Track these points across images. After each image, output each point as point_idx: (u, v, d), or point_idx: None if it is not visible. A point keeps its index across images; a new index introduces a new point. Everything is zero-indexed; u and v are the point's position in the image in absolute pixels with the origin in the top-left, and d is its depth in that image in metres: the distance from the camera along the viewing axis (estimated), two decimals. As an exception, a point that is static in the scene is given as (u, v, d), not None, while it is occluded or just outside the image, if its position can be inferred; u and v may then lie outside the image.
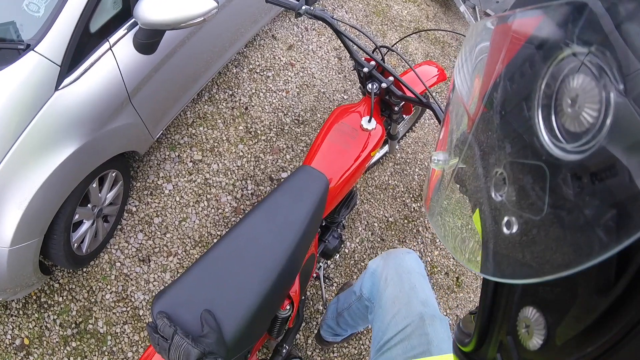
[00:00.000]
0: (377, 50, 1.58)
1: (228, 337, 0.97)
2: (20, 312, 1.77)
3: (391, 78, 1.49)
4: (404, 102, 1.59)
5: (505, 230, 0.34)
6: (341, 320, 1.60)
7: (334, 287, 2.14)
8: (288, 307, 1.33)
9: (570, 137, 0.28)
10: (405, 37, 1.68)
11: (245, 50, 2.75)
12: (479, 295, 0.42)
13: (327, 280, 2.03)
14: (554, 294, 0.32)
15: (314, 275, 1.76)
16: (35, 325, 1.77)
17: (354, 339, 2.05)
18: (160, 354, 0.91)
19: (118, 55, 1.49)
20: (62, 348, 1.76)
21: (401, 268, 1.25)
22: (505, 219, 0.34)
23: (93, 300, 1.86)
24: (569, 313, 0.29)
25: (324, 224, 1.73)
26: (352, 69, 2.88)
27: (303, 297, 1.70)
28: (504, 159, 0.35)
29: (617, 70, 0.25)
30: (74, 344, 1.77)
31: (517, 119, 0.34)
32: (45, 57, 1.27)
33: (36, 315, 1.78)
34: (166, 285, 1.51)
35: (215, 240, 2.06)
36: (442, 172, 0.51)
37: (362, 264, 2.25)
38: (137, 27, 1.50)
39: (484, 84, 0.41)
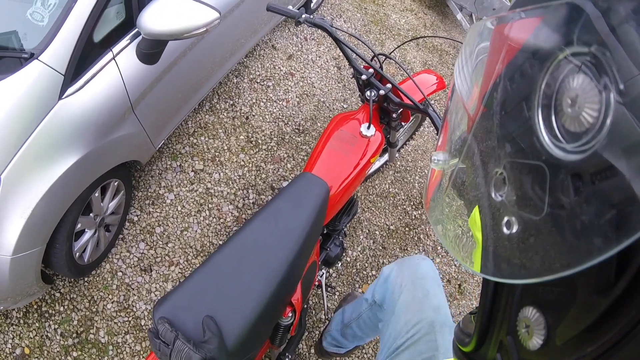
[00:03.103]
0: (375, 58, 1.60)
1: (229, 343, 0.97)
2: (21, 321, 1.77)
3: (389, 85, 1.51)
4: (401, 109, 1.60)
5: (505, 230, 0.34)
6: (348, 331, 1.56)
7: (336, 296, 2.14)
8: (290, 315, 1.33)
9: (570, 137, 0.28)
10: (402, 44, 1.71)
11: (245, 60, 2.78)
12: (479, 295, 0.42)
13: (329, 288, 2.03)
14: (554, 294, 0.32)
15: (316, 283, 1.75)
16: (36, 335, 1.76)
17: (358, 350, 2.04)
18: (161, 359, 0.90)
19: (121, 65, 1.51)
20: (63, 358, 1.74)
21: (416, 274, 1.24)
22: (505, 219, 0.34)
23: (94, 309, 1.85)
24: (569, 313, 0.29)
25: (325, 232, 1.73)
26: (351, 77, 2.91)
27: (305, 306, 1.70)
28: (504, 158, 0.35)
29: (617, 70, 0.25)
30: (75, 354, 1.76)
31: (517, 119, 0.34)
32: (49, 66, 1.28)
33: (37, 324, 1.77)
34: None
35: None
36: (442, 172, 0.51)
37: (364, 272, 2.25)
38: (140, 37, 1.52)
39: (484, 84, 0.41)
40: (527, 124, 0.32)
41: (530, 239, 0.31)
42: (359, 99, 2.66)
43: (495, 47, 0.41)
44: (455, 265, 2.39)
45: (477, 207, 0.42)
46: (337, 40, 1.52)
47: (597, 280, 0.27)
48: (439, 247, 2.43)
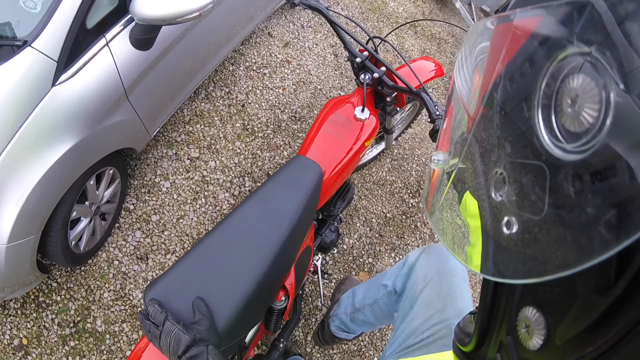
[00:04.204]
0: (370, 41, 1.59)
1: (220, 324, 0.97)
2: (19, 311, 1.77)
3: (383, 68, 1.50)
4: (396, 93, 1.60)
5: (505, 230, 0.34)
6: (358, 316, 1.48)
7: (332, 283, 2.15)
8: (283, 299, 1.33)
9: (570, 137, 0.28)
10: (399, 26, 1.69)
11: (241, 47, 2.75)
12: (479, 294, 0.42)
13: (325, 275, 2.03)
14: (554, 294, 0.32)
15: (311, 269, 1.76)
16: (33, 325, 1.76)
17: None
18: (152, 341, 0.90)
19: (115, 52, 1.48)
20: (60, 347, 1.75)
21: (444, 268, 1.15)
22: (505, 219, 0.34)
23: (91, 299, 1.86)
24: (569, 313, 0.30)
25: (320, 217, 1.73)
26: (345, 60, 2.89)
27: (301, 292, 1.70)
28: (504, 158, 0.36)
29: (617, 70, 0.25)
30: (72, 343, 1.76)
31: (517, 118, 0.34)
32: (42, 53, 1.26)
33: (34, 314, 1.77)
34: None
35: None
36: (442, 172, 0.51)
37: (361, 260, 2.25)
38: (133, 23, 1.49)
39: (484, 83, 0.41)
40: (527, 124, 0.32)
41: (530, 239, 0.31)
42: (355, 83, 2.64)
43: (496, 47, 0.41)
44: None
45: (467, 193, 0.42)
46: (332, 23, 1.50)
47: (597, 280, 0.27)
48: (436, 236, 2.44)
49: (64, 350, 1.74)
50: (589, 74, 0.27)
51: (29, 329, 1.75)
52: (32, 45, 1.26)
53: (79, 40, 1.37)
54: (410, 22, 1.63)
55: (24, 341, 1.73)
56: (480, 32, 0.45)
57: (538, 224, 0.30)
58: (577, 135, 0.27)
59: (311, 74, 2.80)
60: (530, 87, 0.32)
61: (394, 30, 1.72)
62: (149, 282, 1.91)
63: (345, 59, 2.84)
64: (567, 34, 0.30)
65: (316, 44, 2.95)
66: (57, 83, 1.33)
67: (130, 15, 1.51)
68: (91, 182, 1.65)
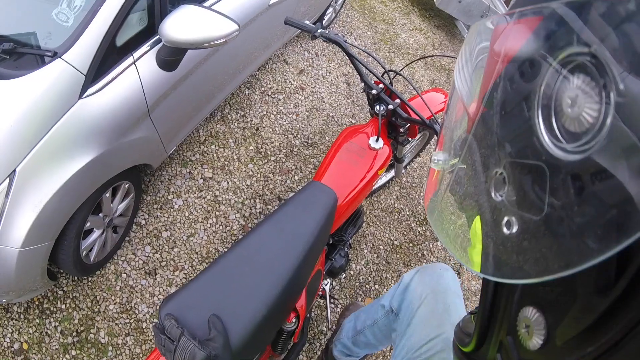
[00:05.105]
0: (386, 74, 1.64)
1: (234, 343, 0.97)
2: (22, 316, 1.77)
3: (398, 100, 1.55)
4: (409, 124, 1.64)
5: (505, 230, 0.34)
6: (360, 339, 1.51)
7: (338, 308, 2.13)
8: (294, 321, 1.33)
9: (570, 137, 0.28)
10: (412, 62, 1.75)
11: (257, 73, 2.84)
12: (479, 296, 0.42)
13: (332, 299, 2.02)
14: (554, 294, 0.32)
15: (320, 293, 1.76)
16: (35, 331, 1.76)
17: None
18: (165, 355, 0.91)
19: (141, 70, 1.55)
20: (61, 355, 1.74)
21: (438, 286, 1.19)
22: (505, 219, 0.34)
23: (96, 309, 1.86)
24: (569, 313, 0.29)
25: (331, 242, 1.75)
26: (361, 91, 2.96)
27: (308, 315, 1.69)
28: (504, 159, 0.35)
29: (617, 70, 0.25)
30: (73, 352, 1.76)
31: (517, 119, 0.34)
32: (72, 66, 1.32)
33: (37, 320, 1.78)
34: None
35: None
36: (441, 171, 0.51)
37: (367, 286, 2.24)
38: (160, 44, 1.56)
39: (484, 84, 0.41)
40: (527, 124, 0.32)
41: (530, 239, 0.31)
42: (369, 113, 2.70)
43: (496, 47, 0.41)
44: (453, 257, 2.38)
45: (477, 217, 0.42)
46: (350, 56, 1.56)
47: (597, 281, 0.27)
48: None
49: (64, 359, 1.73)
50: (589, 74, 0.27)
51: (30, 334, 1.75)
52: (62, 57, 1.31)
53: (108, 57, 1.43)
54: (423, 57, 1.70)
55: (24, 346, 1.72)
56: (480, 32, 0.45)
57: (538, 224, 0.30)
58: (577, 136, 0.27)
59: (324, 101, 2.87)
60: (530, 87, 0.32)
61: (409, 64, 1.78)
62: (159, 303, 1.92)
63: (362, 90, 2.92)
64: (567, 34, 0.30)
65: (329, 72, 3.04)
66: (83, 96, 1.39)
67: (158, 37, 1.59)
68: (107, 195, 1.69)
